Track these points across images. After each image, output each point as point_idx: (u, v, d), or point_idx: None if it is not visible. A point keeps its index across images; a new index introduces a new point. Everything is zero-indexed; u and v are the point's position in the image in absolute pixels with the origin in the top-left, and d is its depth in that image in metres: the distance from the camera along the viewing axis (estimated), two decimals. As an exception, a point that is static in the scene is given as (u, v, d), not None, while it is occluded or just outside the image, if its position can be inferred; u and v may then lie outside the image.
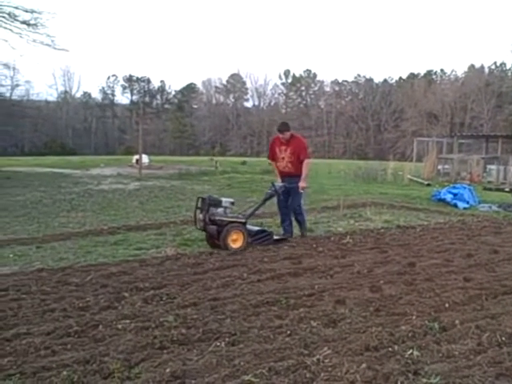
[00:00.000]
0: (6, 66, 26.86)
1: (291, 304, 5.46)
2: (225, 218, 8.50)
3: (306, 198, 11.43)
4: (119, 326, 4.79)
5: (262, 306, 5.40)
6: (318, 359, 4.03)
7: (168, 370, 3.84)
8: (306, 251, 8.21)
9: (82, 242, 8.89)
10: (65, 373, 3.84)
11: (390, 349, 4.29)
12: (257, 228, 9.19)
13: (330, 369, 3.89)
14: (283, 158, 9.57)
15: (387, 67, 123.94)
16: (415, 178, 24.02)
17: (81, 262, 7.54)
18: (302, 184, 9.41)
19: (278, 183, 9.50)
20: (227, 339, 4.47)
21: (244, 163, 33.29)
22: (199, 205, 8.69)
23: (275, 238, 9.09)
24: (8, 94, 29.68)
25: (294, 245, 8.78)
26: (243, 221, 8.71)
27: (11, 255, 8.06)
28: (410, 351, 4.22)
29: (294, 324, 4.85)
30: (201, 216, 8.61)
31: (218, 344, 4.38)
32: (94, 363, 4.02)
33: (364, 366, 3.91)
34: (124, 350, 4.25)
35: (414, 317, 5.09)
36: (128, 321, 4.93)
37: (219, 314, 5.12)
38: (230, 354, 4.14)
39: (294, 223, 9.80)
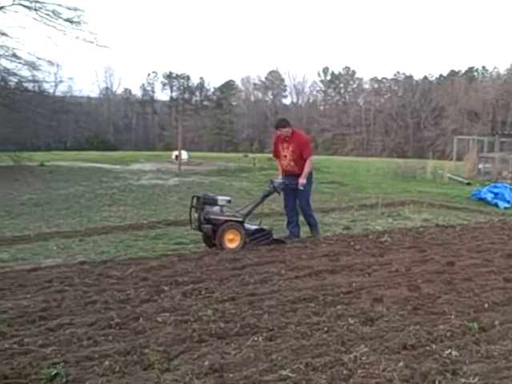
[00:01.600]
0: (50, 62, 27.22)
1: (328, 301, 5.47)
2: (220, 217, 8.23)
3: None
4: (159, 319, 4.88)
5: (300, 302, 5.43)
6: (355, 356, 4.04)
7: (206, 363, 3.90)
8: (344, 249, 8.20)
9: (122, 236, 9.07)
10: (106, 363, 3.94)
11: (427, 348, 4.27)
12: (255, 227, 8.79)
13: (367, 366, 3.90)
14: (285, 156, 9.27)
15: (427, 64, 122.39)
16: (455, 177, 23.65)
17: (121, 256, 7.71)
18: (301, 180, 9.00)
19: (278, 180, 9.14)
20: (265, 334, 4.51)
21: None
22: (194, 204, 8.46)
23: (275, 237, 8.79)
24: (52, 91, 30.29)
25: (332, 242, 8.77)
26: (240, 219, 8.39)
27: (55, 248, 8.28)
28: (449, 351, 4.19)
29: (332, 321, 4.87)
30: (196, 215, 8.37)
31: (256, 339, 4.43)
32: (134, 354, 4.11)
33: (401, 364, 3.90)
34: (163, 342, 4.33)
35: (452, 316, 5.05)
36: (167, 314, 5.02)
37: (257, 309, 5.17)
38: (267, 348, 4.19)
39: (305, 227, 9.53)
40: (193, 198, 8.56)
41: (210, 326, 4.64)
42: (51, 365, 3.93)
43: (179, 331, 4.56)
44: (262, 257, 7.56)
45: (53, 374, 3.77)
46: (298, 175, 9.08)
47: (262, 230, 8.73)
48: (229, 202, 8.56)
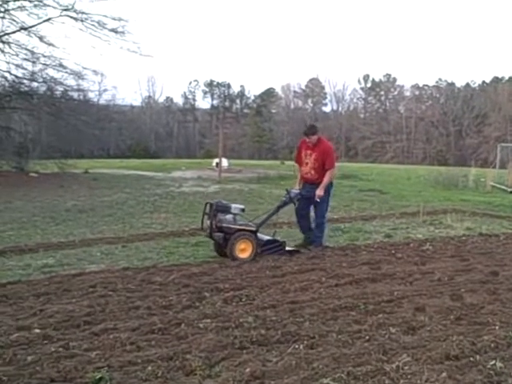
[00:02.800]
0: (95, 72, 27.81)
1: (370, 310, 5.44)
2: (233, 226, 8.06)
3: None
4: (201, 325, 4.93)
5: (341, 310, 5.42)
6: (398, 366, 4.01)
7: (248, 370, 3.92)
8: (385, 257, 8.14)
9: (164, 243, 9.19)
10: (149, 368, 3.99)
11: (471, 359, 4.20)
12: (267, 237, 8.56)
13: (409, 376, 3.86)
14: (307, 164, 9.02)
15: (470, 71, 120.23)
16: (498, 185, 23.19)
17: (164, 262, 7.81)
18: (318, 192, 8.74)
19: (295, 190, 8.93)
20: (306, 342, 4.51)
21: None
22: (207, 211, 8.30)
23: (288, 249, 8.50)
24: (96, 99, 30.94)
25: (373, 250, 8.71)
26: (253, 229, 8.21)
27: (98, 253, 8.44)
28: (493, 362, 4.12)
29: (373, 330, 4.84)
30: (208, 222, 8.21)
31: (297, 346, 4.44)
32: (176, 360, 4.16)
33: (444, 374, 3.85)
34: (205, 348, 4.37)
35: (496, 327, 4.96)
36: (209, 320, 5.07)
37: (298, 316, 5.18)
38: (308, 356, 4.18)
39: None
40: (206, 204, 8.43)
41: (251, 333, 4.66)
42: (96, 369, 4.00)
43: (221, 338, 4.59)
44: (302, 264, 7.56)
45: (97, 377, 3.84)
46: (317, 184, 8.85)
47: (274, 240, 8.48)
48: (243, 210, 8.39)
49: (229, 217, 8.16)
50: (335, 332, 4.75)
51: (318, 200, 8.78)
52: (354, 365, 4.04)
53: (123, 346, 4.47)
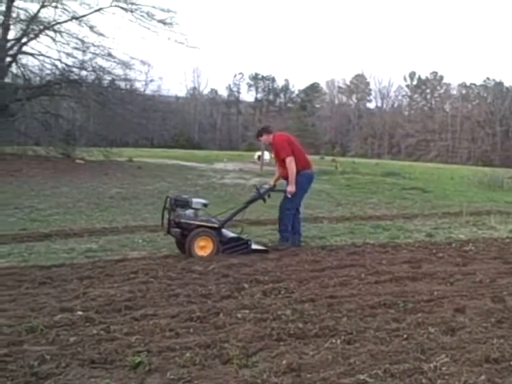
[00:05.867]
0: (143, 62, 28.20)
1: (409, 308, 5.38)
2: (192, 221, 7.61)
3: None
4: (239, 315, 4.97)
5: (379, 307, 5.38)
6: (435, 366, 3.96)
7: (284, 362, 3.93)
8: (426, 256, 8.03)
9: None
10: (187, 355, 4.04)
11: (511, 362, 4.13)
12: (231, 235, 8.08)
13: (447, 377, 3.81)
14: (276, 163, 9.09)
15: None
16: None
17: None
18: (289, 188, 8.44)
19: (266, 185, 8.68)
20: (343, 337, 4.50)
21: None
22: (167, 205, 7.89)
23: (254, 247, 7.96)
24: (142, 89, 31.37)
25: (413, 249, 8.61)
26: (216, 225, 7.72)
27: (140, 240, 8.58)
28: (534, 367, 4.04)
29: (411, 328, 4.78)
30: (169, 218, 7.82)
31: (334, 341, 4.42)
32: (214, 348, 4.21)
33: (483, 377, 3.79)
34: (243, 338, 4.41)
35: (539, 332, 4.86)
36: (247, 311, 5.11)
37: (336, 311, 5.16)
38: (345, 351, 4.17)
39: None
40: (166, 198, 8.01)
41: (288, 326, 4.67)
42: (135, 353, 4.08)
43: (258, 329, 4.62)
44: (342, 260, 7.53)
45: (137, 361, 3.91)
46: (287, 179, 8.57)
47: (238, 238, 7.96)
48: (205, 205, 7.97)
49: (189, 212, 7.73)
50: (373, 329, 4.72)
51: (290, 196, 8.46)
52: (391, 362, 4.01)
53: (162, 332, 4.54)
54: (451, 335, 4.71)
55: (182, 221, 7.61)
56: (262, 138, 8.96)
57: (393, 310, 5.33)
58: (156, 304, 5.32)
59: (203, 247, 7.54)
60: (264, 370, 3.82)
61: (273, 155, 9.08)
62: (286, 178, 8.56)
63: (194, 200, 7.85)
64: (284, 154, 8.51)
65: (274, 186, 8.73)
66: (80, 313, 4.96)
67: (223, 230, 7.93)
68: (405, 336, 4.58)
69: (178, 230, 7.59)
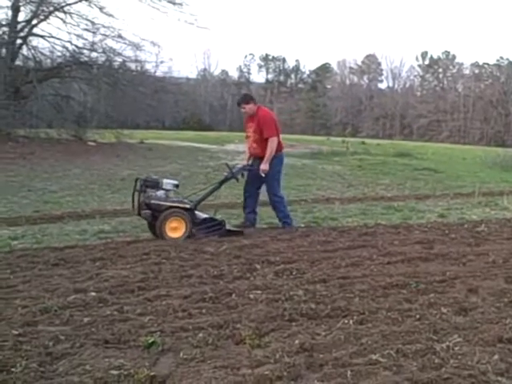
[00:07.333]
0: (153, 43, 28.12)
1: (421, 289, 5.37)
2: (163, 203, 7.46)
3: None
4: (251, 296, 4.99)
5: (391, 288, 5.37)
6: (448, 346, 3.95)
7: (297, 342, 3.95)
8: (438, 237, 7.99)
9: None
10: (200, 335, 4.07)
11: (525, 342, 4.12)
12: (204, 215, 7.91)
13: (459, 357, 3.80)
14: (249, 137, 8.51)
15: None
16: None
17: (215, 233, 7.89)
18: (262, 166, 8.14)
19: (239, 165, 8.54)
20: (355, 317, 4.50)
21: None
22: (137, 187, 7.70)
23: (228, 228, 7.87)
24: (153, 71, 31.30)
25: (426, 230, 8.57)
26: (187, 206, 7.57)
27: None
28: (548, 346, 4.02)
29: (424, 309, 4.78)
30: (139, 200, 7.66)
31: (346, 321, 4.43)
32: (227, 328, 4.23)
33: (496, 357, 3.78)
34: (255, 318, 4.43)
35: (553, 312, 4.84)
36: (259, 291, 5.12)
37: (348, 292, 5.17)
38: (357, 332, 4.18)
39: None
40: (136, 180, 7.83)
41: (300, 306, 4.69)
42: (148, 333, 4.11)
43: (270, 309, 4.64)
44: (353, 241, 7.52)
45: (150, 341, 3.95)
46: (262, 158, 8.28)
47: (211, 219, 7.84)
48: (176, 186, 7.82)
49: (160, 193, 7.59)
50: (385, 309, 4.72)
51: (263, 175, 8.21)
52: (404, 342, 4.01)
53: (175, 312, 4.58)
54: (464, 315, 4.70)
55: (153, 202, 7.47)
56: (248, 106, 8.42)
57: (405, 290, 5.32)
58: (168, 285, 5.35)
59: (175, 228, 7.42)
60: (276, 350, 3.84)
61: (250, 130, 8.46)
62: (260, 156, 8.32)
63: (165, 181, 7.72)
64: (270, 133, 8.24)
65: (248, 165, 8.51)
66: (93, 294, 5.00)
67: (196, 212, 7.78)
68: (417, 316, 4.58)
69: (148, 211, 7.45)
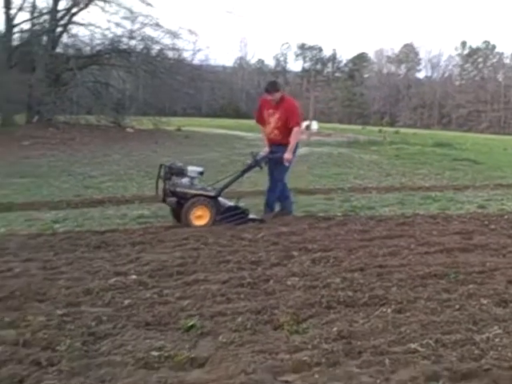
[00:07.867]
0: (190, 31, 28.27)
1: (460, 279, 5.31)
2: (188, 190, 7.44)
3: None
4: (288, 283, 5.02)
5: (430, 278, 5.32)
6: (488, 337, 3.92)
7: (335, 329, 3.96)
8: (478, 228, 7.87)
9: (255, 201, 9.14)
10: (239, 319, 4.12)
11: None
12: (229, 204, 7.86)
13: (499, 348, 3.76)
14: (270, 123, 8.28)
15: None
16: None
17: (252, 220, 7.91)
18: (287, 155, 8.01)
19: (262, 153, 8.27)
20: (393, 306, 4.49)
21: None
22: (162, 174, 7.70)
23: (251, 217, 7.81)
24: (190, 59, 31.45)
25: (465, 220, 8.44)
26: (212, 194, 7.56)
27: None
28: None
29: (463, 299, 4.73)
30: (164, 186, 7.65)
31: (384, 310, 4.42)
32: (265, 314, 4.27)
33: (537, 349, 3.74)
34: (293, 305, 4.45)
35: None
36: (297, 278, 5.14)
37: (385, 281, 5.14)
38: (396, 320, 4.17)
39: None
40: (160, 166, 7.81)
41: (338, 294, 4.69)
42: (188, 316, 4.19)
43: (308, 296, 4.66)
44: (391, 230, 7.46)
45: (189, 324, 4.02)
46: (283, 145, 8.10)
47: (236, 207, 7.79)
48: (201, 173, 7.78)
49: (185, 180, 7.57)
50: (424, 299, 4.69)
51: (287, 164, 8.13)
52: (443, 332, 3.98)
53: (214, 297, 4.63)
54: (504, 307, 4.64)
55: (178, 190, 7.46)
56: (277, 93, 8.20)
57: (444, 280, 5.27)
58: (207, 270, 5.41)
59: (200, 217, 7.41)
60: (314, 337, 3.86)
61: (271, 117, 8.26)
62: (281, 143, 8.16)
63: (190, 168, 7.68)
64: (295, 122, 8.14)
65: (271, 152, 8.32)
66: (133, 277, 5.10)
67: (220, 199, 7.78)
68: (456, 307, 4.53)
69: (173, 199, 7.46)
